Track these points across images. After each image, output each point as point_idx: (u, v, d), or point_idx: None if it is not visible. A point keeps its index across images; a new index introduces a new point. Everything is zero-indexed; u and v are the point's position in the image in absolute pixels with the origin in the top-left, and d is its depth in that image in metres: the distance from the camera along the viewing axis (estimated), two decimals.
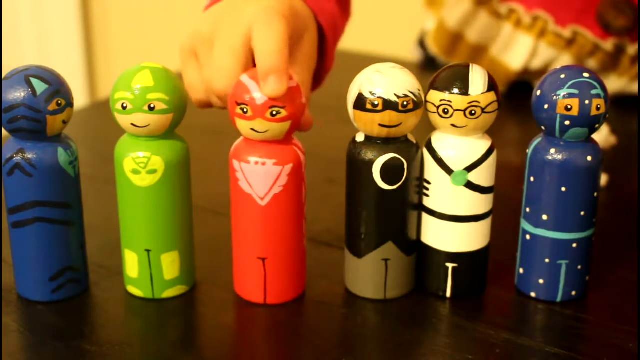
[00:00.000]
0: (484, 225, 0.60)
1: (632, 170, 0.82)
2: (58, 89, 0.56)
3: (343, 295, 0.61)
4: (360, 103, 0.56)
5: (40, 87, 0.55)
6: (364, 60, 0.79)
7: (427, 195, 0.59)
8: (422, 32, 1.10)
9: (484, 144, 0.58)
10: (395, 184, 0.58)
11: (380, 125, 0.56)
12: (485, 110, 0.56)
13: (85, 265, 0.61)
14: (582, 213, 0.58)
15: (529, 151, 0.59)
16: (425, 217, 0.60)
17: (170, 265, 0.60)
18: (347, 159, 0.59)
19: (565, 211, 0.58)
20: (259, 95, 0.55)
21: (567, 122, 0.56)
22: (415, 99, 0.56)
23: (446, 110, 0.56)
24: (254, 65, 0.58)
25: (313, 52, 0.65)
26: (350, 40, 0.92)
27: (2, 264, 0.64)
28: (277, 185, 0.57)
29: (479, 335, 0.57)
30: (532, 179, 0.59)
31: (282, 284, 0.59)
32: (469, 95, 0.56)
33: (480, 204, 0.59)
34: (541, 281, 0.60)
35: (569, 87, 0.56)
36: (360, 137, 0.58)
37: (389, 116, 0.55)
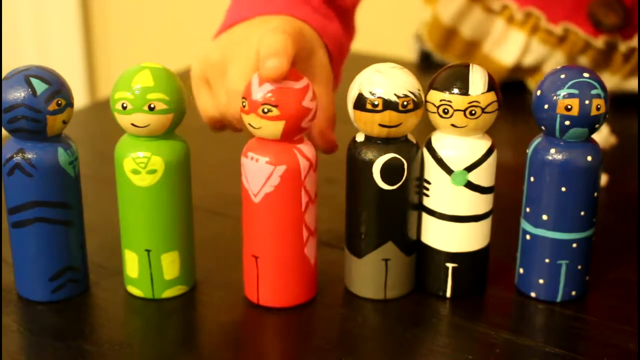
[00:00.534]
0: (484, 225, 0.60)
1: (632, 170, 0.82)
2: (58, 89, 0.56)
3: (343, 295, 0.61)
4: (360, 103, 0.56)
5: (40, 87, 0.55)
6: (363, 60, 0.79)
7: (427, 195, 0.59)
8: (420, 26, 1.11)
9: (484, 144, 0.58)
10: (395, 184, 0.58)
11: (380, 125, 0.56)
12: (485, 110, 0.56)
13: (85, 265, 0.61)
14: (582, 213, 0.58)
15: (529, 151, 0.59)
16: (425, 217, 0.60)
17: (170, 265, 0.60)
18: (347, 159, 0.59)
19: (565, 211, 0.58)
20: (256, 90, 0.55)
21: (567, 122, 0.56)
22: (415, 99, 0.56)
23: (446, 110, 0.56)
24: None
25: (327, 67, 0.66)
26: None
27: (2, 264, 0.64)
28: (269, 185, 0.57)
29: (479, 335, 0.57)
30: (532, 179, 0.59)
31: (274, 287, 0.59)
32: (469, 95, 0.56)
33: (480, 204, 0.59)
34: (541, 281, 0.60)
35: (569, 87, 0.56)
36: (360, 137, 0.58)
37: (389, 116, 0.55)
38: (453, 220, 0.59)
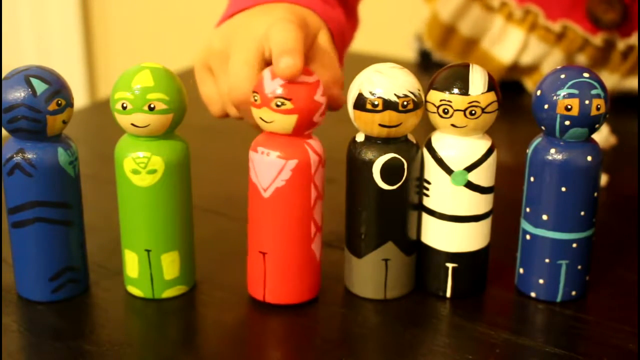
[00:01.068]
0: (484, 225, 0.60)
1: (632, 170, 0.82)
2: (58, 89, 0.56)
3: (343, 295, 0.62)
4: (360, 103, 0.56)
5: (40, 87, 0.55)
6: (362, 60, 0.79)
7: (427, 195, 0.59)
8: (421, 25, 1.11)
9: (484, 144, 0.58)
10: (395, 184, 0.58)
11: (380, 125, 0.56)
12: (485, 110, 0.56)
13: (85, 265, 0.61)
14: (582, 213, 0.58)
15: (529, 151, 0.59)
16: (425, 217, 0.60)
17: (170, 265, 0.60)
18: (347, 159, 0.59)
19: (565, 211, 0.58)
20: (269, 84, 0.55)
21: (567, 122, 0.56)
22: (415, 99, 0.56)
23: (446, 110, 0.56)
24: None
25: (331, 45, 0.65)
26: None
27: (2, 264, 0.64)
28: (280, 179, 0.57)
29: (479, 335, 0.57)
30: (532, 179, 0.59)
31: (282, 283, 0.59)
32: (469, 95, 0.56)
33: (480, 204, 0.59)
34: (541, 281, 0.60)
35: (569, 87, 0.56)
36: (360, 137, 0.58)
37: (389, 116, 0.55)
38: (453, 220, 0.59)
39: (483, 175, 0.58)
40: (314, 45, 0.63)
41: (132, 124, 0.56)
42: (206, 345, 0.57)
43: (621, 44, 0.95)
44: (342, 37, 0.70)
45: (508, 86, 1.00)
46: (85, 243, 0.61)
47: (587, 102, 0.55)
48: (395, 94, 0.55)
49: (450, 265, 0.60)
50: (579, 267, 0.60)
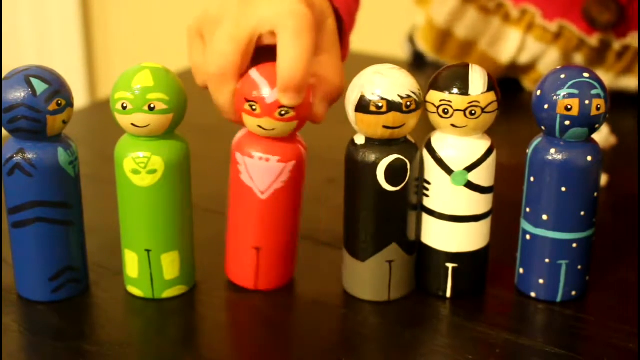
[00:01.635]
0: (484, 225, 0.60)
1: (632, 170, 0.82)
2: (58, 89, 0.56)
3: (343, 295, 0.61)
4: (363, 105, 0.55)
5: (40, 87, 0.55)
6: (359, 60, 0.79)
7: (427, 196, 0.59)
8: (413, 27, 1.11)
9: (483, 144, 0.58)
10: (399, 185, 0.57)
11: (385, 126, 0.56)
12: (485, 110, 0.56)
13: (85, 265, 0.61)
14: (582, 213, 0.58)
15: (529, 151, 0.59)
16: (425, 217, 0.60)
17: (170, 265, 0.60)
18: (346, 162, 0.58)
19: (565, 211, 0.58)
20: (268, 94, 0.55)
21: (567, 122, 0.56)
22: (416, 99, 0.56)
23: (446, 110, 0.56)
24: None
25: (336, 38, 0.64)
26: None
27: (2, 264, 0.64)
28: (279, 181, 0.57)
29: (479, 335, 0.57)
30: (532, 179, 0.59)
31: (274, 271, 0.61)
32: (469, 95, 0.56)
33: (480, 204, 0.59)
34: (541, 281, 0.60)
35: (569, 87, 0.56)
36: (360, 140, 0.58)
37: (394, 117, 0.55)
38: (453, 220, 0.59)
39: (483, 175, 0.58)
40: (319, 35, 0.61)
41: (132, 124, 0.56)
42: (206, 345, 0.57)
43: (616, 45, 0.95)
44: (349, 15, 0.67)
45: (506, 85, 1.00)
46: (85, 243, 0.61)
47: (587, 102, 0.55)
48: (398, 95, 0.55)
49: (450, 266, 0.60)
50: (579, 267, 0.60)
